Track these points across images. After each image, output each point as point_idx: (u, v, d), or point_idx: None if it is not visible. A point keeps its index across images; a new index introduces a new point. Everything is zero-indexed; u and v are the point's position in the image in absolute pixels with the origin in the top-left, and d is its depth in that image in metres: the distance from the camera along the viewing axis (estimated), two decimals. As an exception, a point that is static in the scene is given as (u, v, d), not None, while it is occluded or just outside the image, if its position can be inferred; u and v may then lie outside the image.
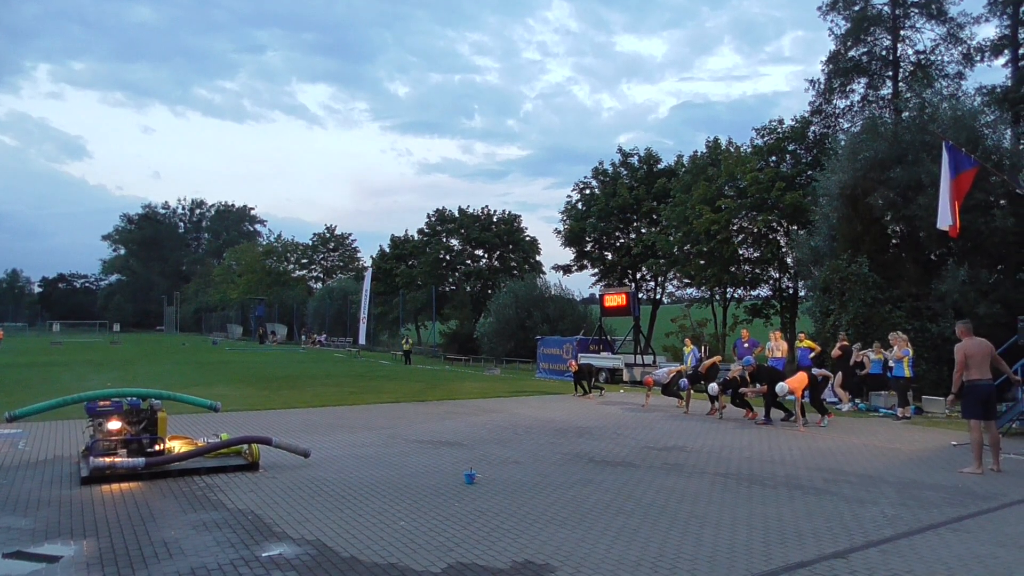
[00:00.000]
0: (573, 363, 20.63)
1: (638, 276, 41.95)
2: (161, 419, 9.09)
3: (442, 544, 5.94)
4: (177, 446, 9.13)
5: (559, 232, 43.54)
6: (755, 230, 31.37)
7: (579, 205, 42.92)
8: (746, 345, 18.31)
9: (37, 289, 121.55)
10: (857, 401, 16.43)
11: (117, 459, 8.42)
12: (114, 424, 8.82)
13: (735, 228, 31.60)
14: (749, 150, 33.09)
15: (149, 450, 8.78)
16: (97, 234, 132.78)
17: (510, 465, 9.39)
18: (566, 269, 44.17)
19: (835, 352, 16.87)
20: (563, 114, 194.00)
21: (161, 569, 5.33)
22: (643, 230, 40.09)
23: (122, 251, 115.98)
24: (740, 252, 32.07)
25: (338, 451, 10.27)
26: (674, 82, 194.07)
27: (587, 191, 42.87)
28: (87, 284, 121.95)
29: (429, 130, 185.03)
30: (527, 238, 50.97)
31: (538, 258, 50.86)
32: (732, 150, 34.13)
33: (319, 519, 6.70)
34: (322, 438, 11.32)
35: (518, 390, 20.66)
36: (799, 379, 13.73)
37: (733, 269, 32.35)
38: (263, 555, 5.65)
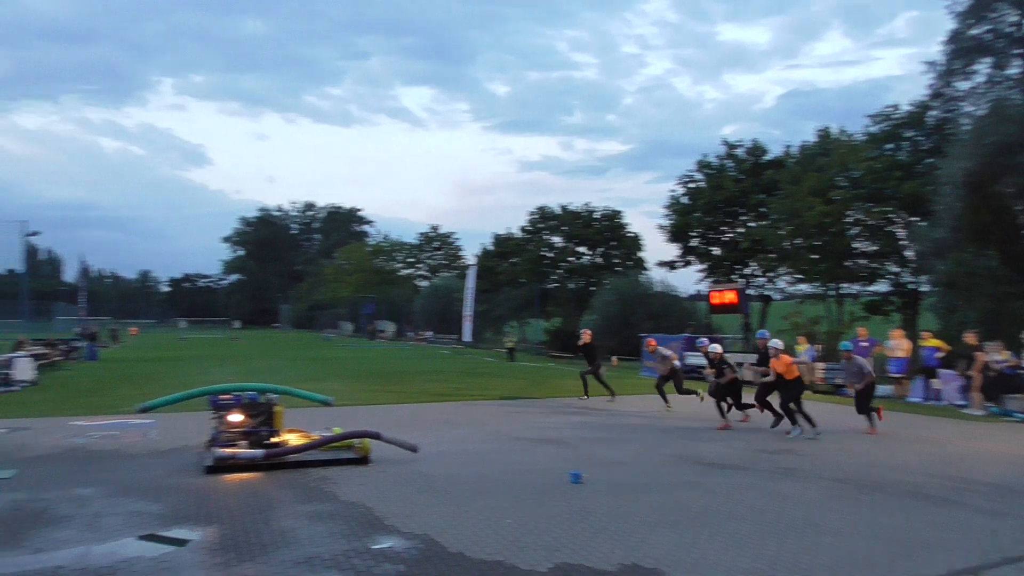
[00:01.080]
0: (588, 333, 17.82)
1: (747, 272, 40.77)
2: (278, 412, 9.48)
3: (548, 544, 5.92)
4: (293, 439, 9.48)
5: (663, 227, 42.79)
6: (871, 222, 29.94)
7: (683, 199, 42.07)
8: (864, 344, 17.51)
9: (166, 288, 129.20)
10: (989, 405, 15.40)
11: (238, 450, 8.84)
12: (235, 417, 9.26)
13: (849, 220, 30.25)
14: (862, 138, 31.61)
15: (267, 442, 9.15)
16: (218, 236, 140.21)
17: (615, 465, 9.29)
18: (671, 265, 43.35)
19: (980, 357, 15.55)
20: (664, 107, 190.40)
21: (278, 556, 5.54)
22: (751, 224, 38.91)
23: (241, 252, 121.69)
24: (855, 246, 30.68)
25: (444, 447, 10.41)
26: (779, 70, 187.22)
27: (691, 185, 41.97)
28: (210, 283, 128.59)
29: (528, 128, 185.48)
30: (630, 234, 50.34)
31: (641, 254, 50.18)
32: (844, 139, 32.69)
33: (427, 514, 6.80)
34: (429, 433, 11.49)
35: (622, 388, 20.42)
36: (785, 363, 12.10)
37: (848, 263, 30.98)
38: (373, 547, 5.79)
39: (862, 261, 31.48)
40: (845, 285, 32.93)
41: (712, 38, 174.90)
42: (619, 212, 50.92)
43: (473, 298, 45.09)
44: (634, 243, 50.34)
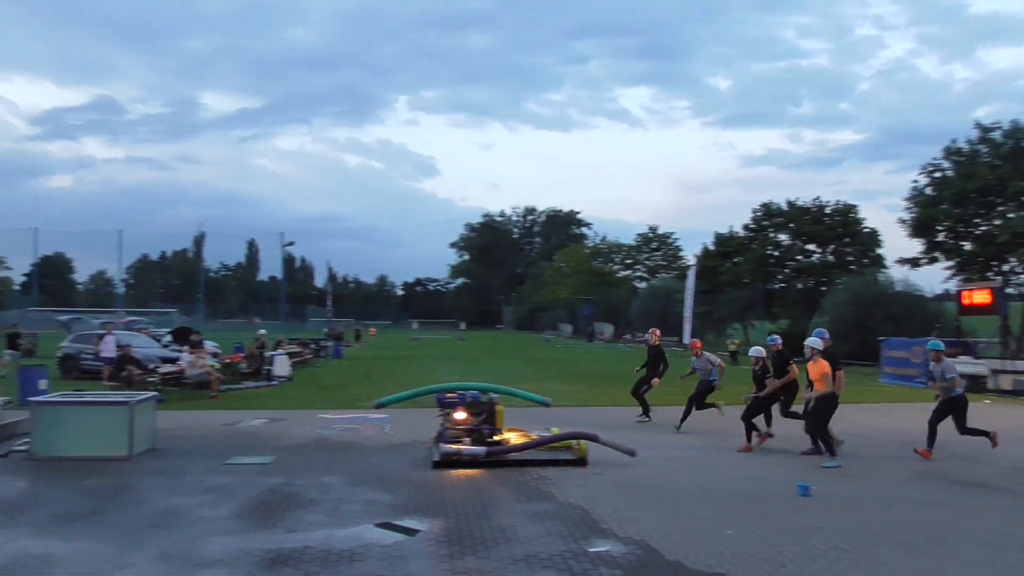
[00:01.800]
0: (656, 332, 14.59)
1: (1005, 268, 36.37)
2: (499, 412, 9.85)
3: (773, 558, 5.62)
4: (513, 437, 9.78)
5: (904, 222, 39.34)
6: None
7: (928, 190, 38.40)
8: None
9: (400, 292, 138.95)
10: None
11: (462, 447, 9.27)
12: (460, 415, 9.74)
13: None
14: None
15: (489, 440, 9.52)
16: (445, 242, 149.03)
17: (848, 478, 8.64)
18: (913, 263, 39.70)
19: None
20: (905, 91, 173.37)
21: (499, 552, 5.73)
22: (1010, 215, 34.64)
23: (467, 256, 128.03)
24: None
25: (661, 452, 10.24)
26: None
27: (937, 174, 38.19)
28: (438, 287, 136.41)
29: (753, 122, 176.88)
30: (866, 230, 46.84)
31: (879, 251, 46.49)
32: None
33: (644, 519, 6.71)
34: (645, 437, 11.35)
35: (857, 396, 18.96)
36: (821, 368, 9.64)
37: None
38: (590, 550, 5.81)
39: None
40: None
41: (963, 12, 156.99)
42: (854, 206, 47.65)
43: (693, 299, 44.03)
44: (871, 239, 46.83)
